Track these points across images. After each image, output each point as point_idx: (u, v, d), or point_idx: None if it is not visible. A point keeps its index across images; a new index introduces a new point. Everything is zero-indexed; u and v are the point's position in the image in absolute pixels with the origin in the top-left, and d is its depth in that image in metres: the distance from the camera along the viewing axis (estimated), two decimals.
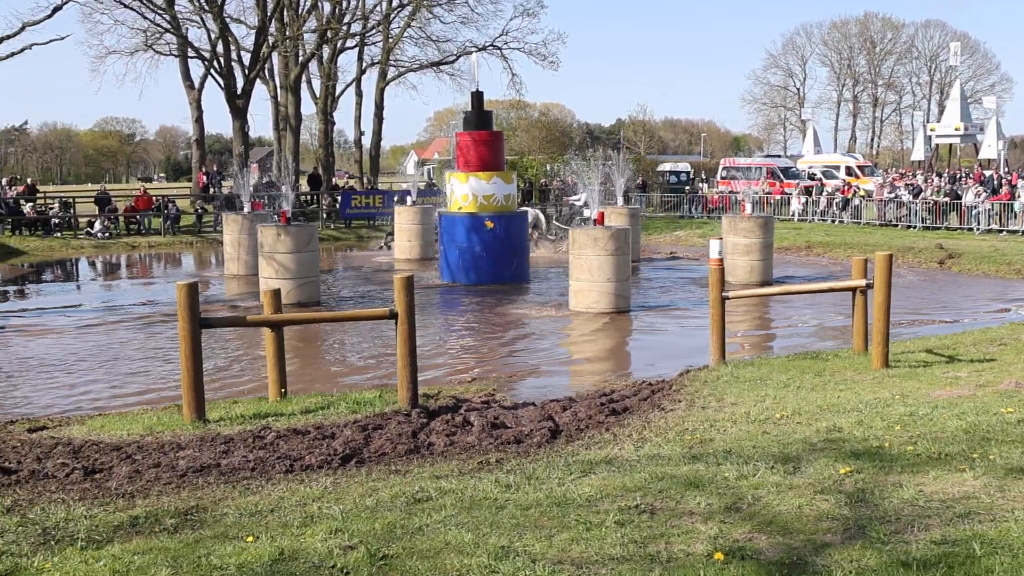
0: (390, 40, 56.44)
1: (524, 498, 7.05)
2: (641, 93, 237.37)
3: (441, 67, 58.56)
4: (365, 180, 57.53)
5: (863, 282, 13.85)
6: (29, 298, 27.51)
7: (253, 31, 50.31)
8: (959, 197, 39.01)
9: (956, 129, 62.81)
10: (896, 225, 39.50)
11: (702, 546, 5.76)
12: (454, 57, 58.02)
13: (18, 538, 6.56)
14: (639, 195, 49.42)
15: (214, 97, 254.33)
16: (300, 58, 52.18)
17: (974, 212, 37.20)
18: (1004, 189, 38.68)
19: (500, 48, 57.26)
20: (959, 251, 31.47)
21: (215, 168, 51.59)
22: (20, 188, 45.55)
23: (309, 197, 49.81)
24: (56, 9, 43.92)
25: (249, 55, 49.88)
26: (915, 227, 38.46)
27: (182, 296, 11.11)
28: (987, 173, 47.01)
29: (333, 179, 56.48)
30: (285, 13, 50.40)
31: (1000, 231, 35.69)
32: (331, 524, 6.54)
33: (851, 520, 6.15)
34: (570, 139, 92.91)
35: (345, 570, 5.63)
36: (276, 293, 12.97)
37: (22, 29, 43.38)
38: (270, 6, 48.87)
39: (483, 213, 27.24)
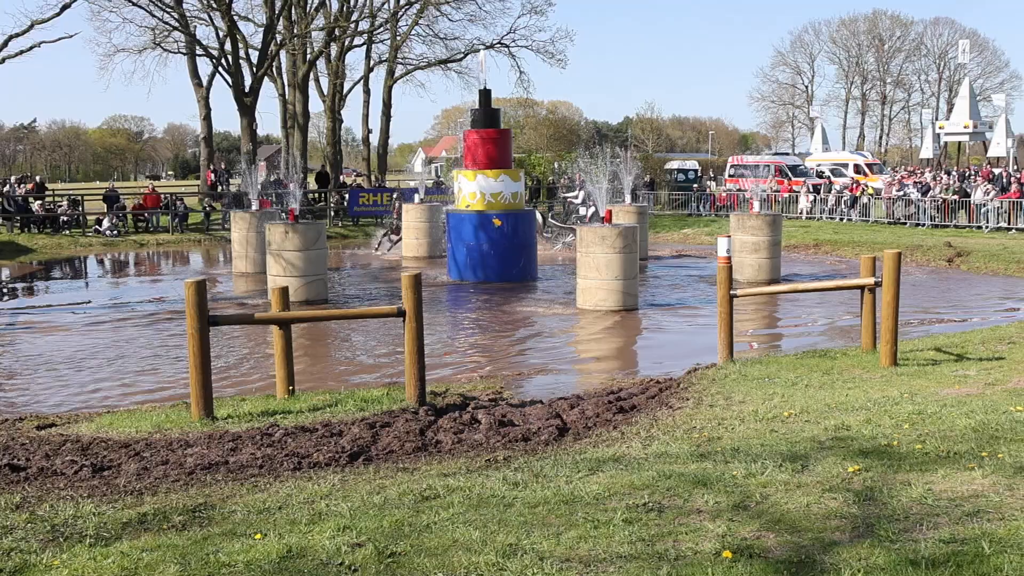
0: (398, 38, 56.50)
1: (532, 496, 7.05)
2: (649, 91, 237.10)
3: (449, 65, 58.65)
4: (373, 178, 57.56)
5: (871, 280, 13.82)
6: (38, 295, 27.56)
7: (261, 29, 50.44)
8: (968, 195, 38.93)
9: (965, 127, 62.61)
10: (905, 223, 39.43)
11: (710, 544, 5.76)
12: (462, 55, 58.12)
13: (27, 535, 6.57)
14: (647, 193, 49.40)
15: (222, 95, 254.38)
16: (308, 56, 52.25)
17: (983, 210, 37.13)
18: (1013, 187, 38.59)
19: (508, 46, 57.34)
20: (968, 249, 31.39)
21: (223, 166, 51.71)
22: (29, 186, 45.63)
23: (317, 195, 49.86)
24: (65, 7, 44.01)
25: (257, 53, 49.99)
26: (924, 225, 38.39)
27: (190, 294, 11.12)
28: (996, 171, 46.87)
29: (341, 177, 56.57)
30: (293, 11, 50.49)
31: (1009, 229, 35.61)
32: (339, 521, 6.54)
33: (859, 518, 6.15)
34: (578, 137, 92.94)
35: (353, 567, 5.63)
36: (284, 291, 12.97)
37: (31, 27, 43.48)
38: (278, 4, 48.94)
39: (491, 211, 27.24)
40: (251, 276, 29.25)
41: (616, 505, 6.65)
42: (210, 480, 8.33)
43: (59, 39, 62.31)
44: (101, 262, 36.29)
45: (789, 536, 5.87)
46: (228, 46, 49.12)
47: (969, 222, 37.42)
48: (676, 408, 11.28)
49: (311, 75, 54.33)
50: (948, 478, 6.96)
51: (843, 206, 42.80)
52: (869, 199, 42.68)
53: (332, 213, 46.78)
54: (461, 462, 8.80)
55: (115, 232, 41.08)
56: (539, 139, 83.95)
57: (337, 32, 52.96)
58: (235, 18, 48.99)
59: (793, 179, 51.71)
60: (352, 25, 54.35)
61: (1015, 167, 53.75)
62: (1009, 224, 35.92)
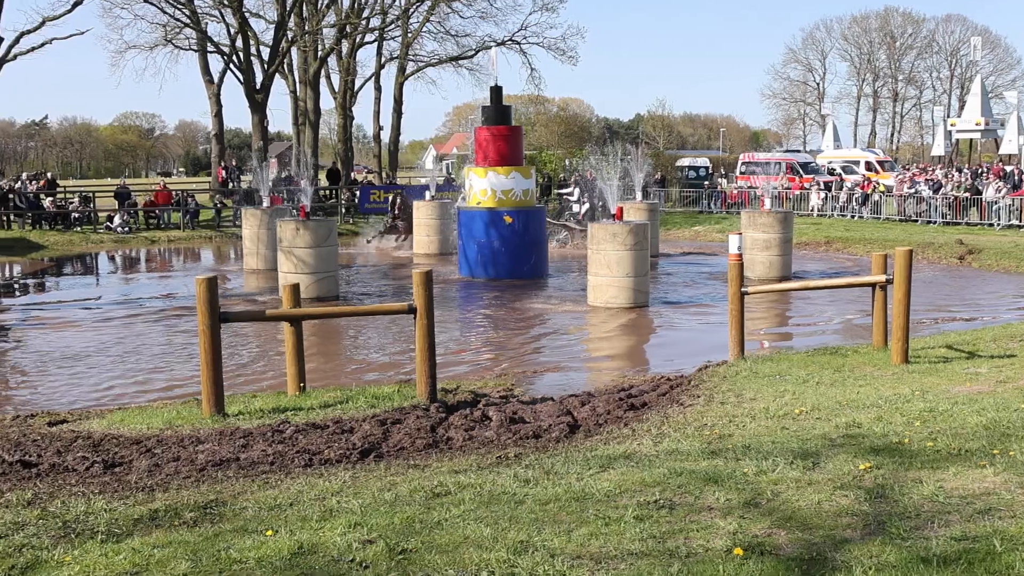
0: (409, 35, 56.52)
1: (543, 493, 7.05)
2: (660, 88, 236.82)
3: (460, 62, 58.64)
4: (384, 175, 57.58)
5: (883, 278, 13.81)
6: (49, 292, 27.62)
7: (272, 26, 50.45)
8: (980, 192, 38.83)
9: (977, 124, 62.38)
10: (916, 220, 39.34)
11: (721, 541, 5.75)
12: (473, 52, 58.11)
13: (39, 531, 6.59)
14: (658, 190, 49.35)
15: (233, 92, 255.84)
16: (319, 53, 52.30)
17: (995, 207, 37.02)
18: None
19: (519, 43, 57.29)
20: (979, 247, 31.30)
21: (234, 163, 51.78)
22: (41, 183, 45.74)
23: (328, 192, 49.86)
24: (76, 4, 44.01)
25: (268, 50, 50.03)
26: (935, 223, 38.29)
27: (201, 291, 11.14)
28: (1008, 168, 46.72)
29: (352, 174, 56.57)
30: (304, 8, 50.52)
31: (1021, 226, 35.52)
32: (350, 518, 6.55)
33: (871, 516, 6.14)
34: (589, 134, 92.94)
35: (364, 564, 5.64)
36: (295, 287, 13.00)
37: (42, 24, 43.52)
38: (289, 1, 48.95)
39: (502, 208, 27.24)
40: (262, 273, 29.29)
41: (627, 502, 6.65)
42: (221, 477, 8.35)
43: (71, 36, 62.97)
44: (112, 259, 36.36)
45: (800, 533, 5.86)
46: (239, 43, 49.16)
47: (981, 220, 37.32)
48: (687, 405, 11.28)
49: (322, 72, 54.36)
50: (959, 476, 6.95)
51: (854, 203, 42.71)
52: (880, 196, 42.58)
53: (343, 210, 46.79)
54: (472, 459, 8.80)
55: (126, 229, 41.15)
56: (550, 136, 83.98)
57: (348, 29, 52.99)
58: (246, 15, 49.02)
59: (804, 176, 51.58)
60: (363, 22, 54.40)
61: None
62: (1021, 221, 35.83)
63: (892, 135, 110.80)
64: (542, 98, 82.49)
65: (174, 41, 50.95)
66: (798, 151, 67.55)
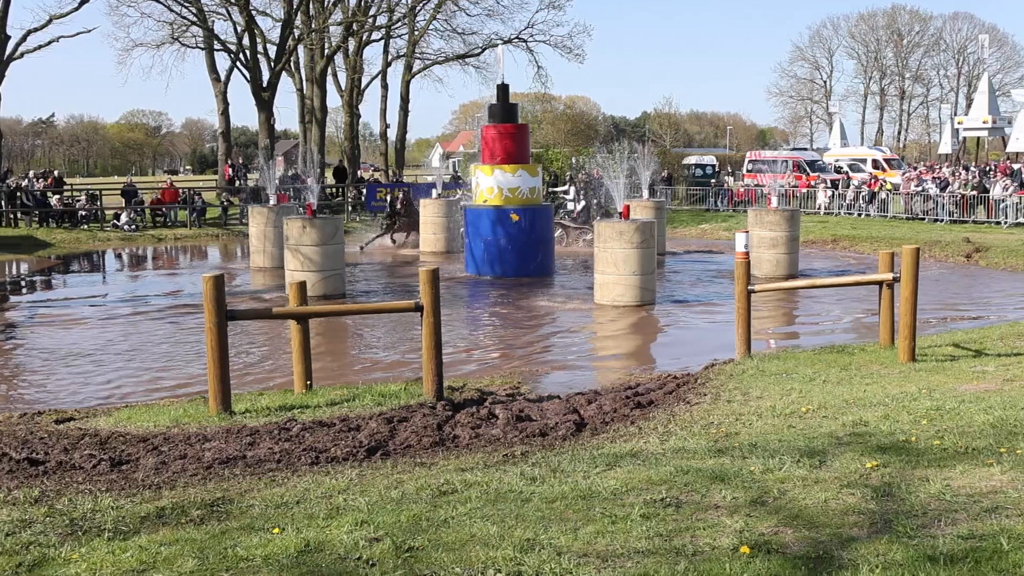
0: (416, 33, 56.55)
1: (549, 491, 7.05)
2: (667, 86, 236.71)
3: (467, 60, 58.66)
4: (390, 173, 57.61)
5: (890, 276, 13.79)
6: (56, 289, 27.66)
7: (279, 24, 50.48)
8: (987, 190, 38.75)
9: (984, 122, 62.26)
10: (923, 219, 39.29)
11: (728, 540, 5.75)
12: (480, 50, 58.12)
13: (46, 528, 6.61)
14: (664, 188, 49.32)
15: (240, 90, 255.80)
16: (326, 51, 52.31)
17: (1002, 206, 36.96)
18: None
19: (526, 41, 57.31)
20: (986, 245, 31.24)
21: (241, 161, 51.73)
22: (48, 180, 45.78)
23: (334, 190, 49.90)
24: (83, 2, 44.15)
25: (275, 48, 50.04)
26: (942, 221, 38.24)
27: (208, 288, 11.15)
28: (1015, 166, 46.62)
29: (358, 172, 56.59)
30: (311, 6, 50.53)
31: None
32: (357, 516, 6.55)
33: (877, 514, 6.13)
34: (595, 132, 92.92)
35: (371, 562, 5.64)
36: (302, 285, 13.00)
37: (49, 22, 43.68)
38: None
39: (508, 206, 27.23)
40: (269, 271, 29.31)
41: (633, 500, 6.65)
42: (228, 474, 8.36)
43: (77, 34, 63.00)
44: (119, 256, 36.41)
45: (807, 532, 5.86)
46: (246, 41, 49.20)
47: (988, 218, 37.26)
48: (694, 404, 11.28)
49: (329, 70, 54.41)
50: (966, 474, 6.94)
51: (861, 201, 42.65)
52: (887, 194, 42.52)
53: (350, 208, 46.83)
54: (478, 457, 8.81)
55: (133, 227, 41.20)
56: (557, 134, 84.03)
57: (355, 27, 52.99)
58: (253, 13, 49.03)
59: (811, 174, 51.53)
60: (370, 20, 54.42)
61: None
62: None
63: (899, 133, 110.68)
64: (549, 96, 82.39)
65: (181, 39, 51.03)
66: (805, 149, 67.59)
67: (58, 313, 22.44)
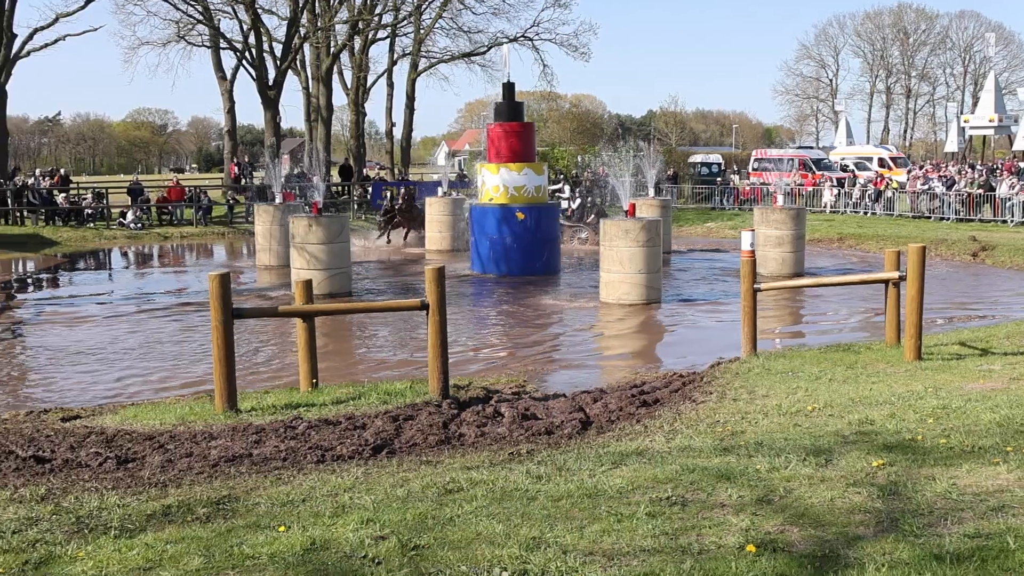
0: (421, 31, 56.54)
1: (555, 489, 7.05)
2: (672, 84, 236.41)
3: (472, 58, 58.63)
4: (396, 171, 57.62)
5: (896, 274, 13.77)
6: (62, 287, 27.70)
7: (285, 22, 50.55)
8: (993, 189, 38.69)
9: (990, 120, 62.25)
10: (929, 217, 39.23)
11: (734, 538, 5.75)
12: (485, 48, 58.08)
13: (52, 526, 6.62)
14: (670, 187, 49.30)
15: (246, 88, 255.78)
16: (332, 49, 52.36)
17: (1008, 204, 36.88)
18: None
19: (531, 39, 57.24)
20: (993, 243, 31.19)
21: (247, 159, 51.85)
22: (54, 179, 45.84)
23: (340, 188, 49.92)
24: (89, 0, 44.20)
25: (281, 46, 50.11)
26: (948, 219, 38.19)
27: (214, 286, 11.16)
28: (1021, 165, 46.58)
29: (364, 170, 56.62)
30: (317, 4, 50.59)
31: None
32: (362, 514, 6.56)
33: (883, 513, 6.13)
34: (601, 130, 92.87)
35: (376, 560, 5.64)
36: (308, 284, 13.01)
37: (56, 20, 43.77)
38: None
39: (514, 204, 27.23)
40: (275, 269, 29.31)
41: (639, 499, 6.65)
42: (234, 472, 8.37)
43: (84, 32, 63.18)
44: (125, 255, 36.43)
45: (813, 530, 5.86)
46: (252, 39, 49.23)
47: (994, 216, 37.19)
48: (699, 402, 11.27)
49: (335, 68, 54.42)
50: (973, 473, 6.93)
51: (867, 200, 42.60)
52: (893, 193, 42.47)
53: (355, 206, 46.84)
54: (484, 455, 8.81)
55: (139, 225, 41.24)
56: (562, 132, 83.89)
57: (361, 25, 53.03)
58: (259, 11, 49.09)
59: (817, 173, 51.48)
60: (376, 18, 54.42)
61: None
62: None
63: (905, 131, 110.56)
64: (554, 94, 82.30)
65: (187, 37, 51.08)
66: (811, 147, 67.44)
67: (64, 311, 22.47)
